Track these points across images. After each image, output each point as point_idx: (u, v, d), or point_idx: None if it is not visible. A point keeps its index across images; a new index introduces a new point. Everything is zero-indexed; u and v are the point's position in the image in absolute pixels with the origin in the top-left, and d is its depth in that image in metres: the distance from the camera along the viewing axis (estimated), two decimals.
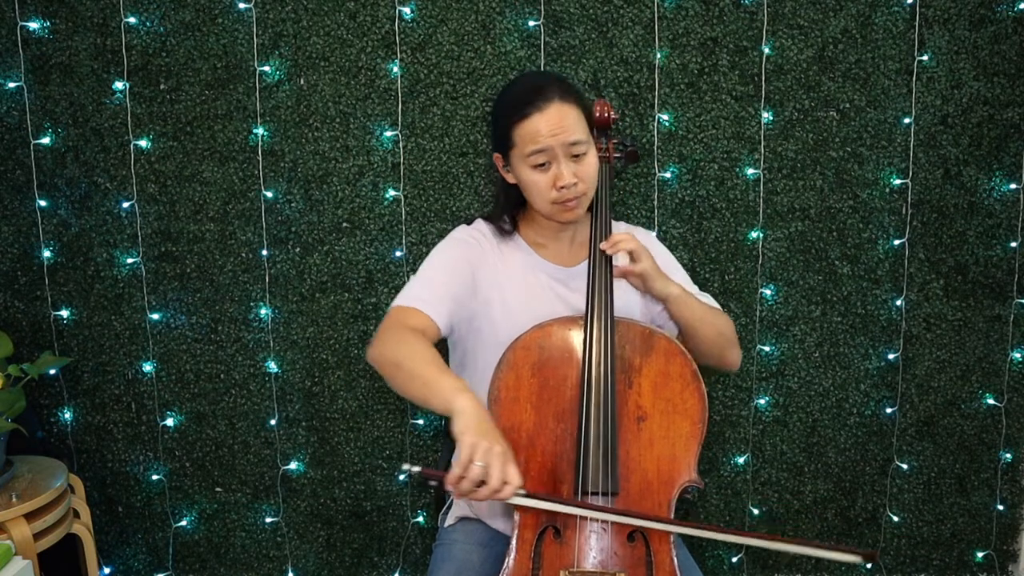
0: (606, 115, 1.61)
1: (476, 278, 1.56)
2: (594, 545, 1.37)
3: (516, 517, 1.39)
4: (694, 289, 1.67)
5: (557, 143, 1.45)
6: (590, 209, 1.58)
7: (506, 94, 1.56)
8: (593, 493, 1.38)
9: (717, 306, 1.67)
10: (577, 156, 1.48)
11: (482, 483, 1.23)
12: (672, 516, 1.42)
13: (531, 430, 1.43)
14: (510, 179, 1.56)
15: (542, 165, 1.47)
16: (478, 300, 1.56)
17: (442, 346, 1.60)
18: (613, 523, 1.38)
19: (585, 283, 1.51)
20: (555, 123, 1.45)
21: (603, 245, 1.52)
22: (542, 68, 2.08)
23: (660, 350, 1.47)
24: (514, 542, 1.38)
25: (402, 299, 1.51)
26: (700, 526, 1.38)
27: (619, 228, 1.71)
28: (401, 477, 2.26)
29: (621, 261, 1.54)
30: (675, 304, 1.54)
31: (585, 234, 1.59)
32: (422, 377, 1.35)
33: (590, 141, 1.50)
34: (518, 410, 1.44)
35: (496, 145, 1.56)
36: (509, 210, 1.62)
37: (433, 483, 1.27)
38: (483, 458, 1.22)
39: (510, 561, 1.37)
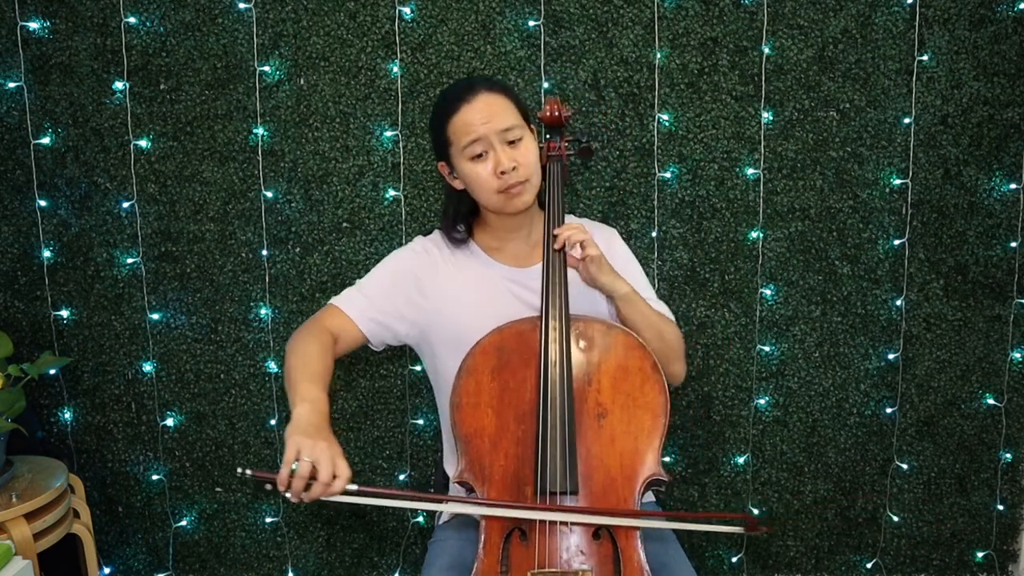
0: (556, 113, 1.60)
1: (423, 289, 1.58)
2: (560, 545, 1.37)
3: (482, 521, 1.40)
4: (650, 293, 1.66)
5: (490, 130, 1.47)
6: (543, 207, 1.58)
7: (437, 102, 1.58)
8: (553, 493, 1.37)
9: (671, 316, 1.65)
10: (512, 142, 1.49)
11: (313, 481, 1.25)
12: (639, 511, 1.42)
13: (493, 434, 1.43)
14: (457, 185, 1.57)
15: (480, 156, 1.49)
16: (429, 311, 1.58)
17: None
18: (576, 523, 1.38)
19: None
20: (484, 112, 1.47)
21: (555, 231, 1.52)
22: (542, 68, 2.09)
23: (618, 344, 1.47)
24: (481, 546, 1.38)
25: (337, 299, 1.58)
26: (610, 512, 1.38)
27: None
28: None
29: (574, 253, 1.54)
30: (621, 302, 1.53)
31: (540, 233, 1.60)
32: (290, 376, 1.43)
33: (524, 128, 1.51)
34: (480, 415, 1.44)
35: (438, 153, 1.58)
36: (462, 219, 1.63)
37: (268, 486, 1.28)
38: (309, 454, 1.25)
39: (478, 565, 1.37)
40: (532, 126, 1.56)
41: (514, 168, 1.47)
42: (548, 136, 1.61)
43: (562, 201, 1.58)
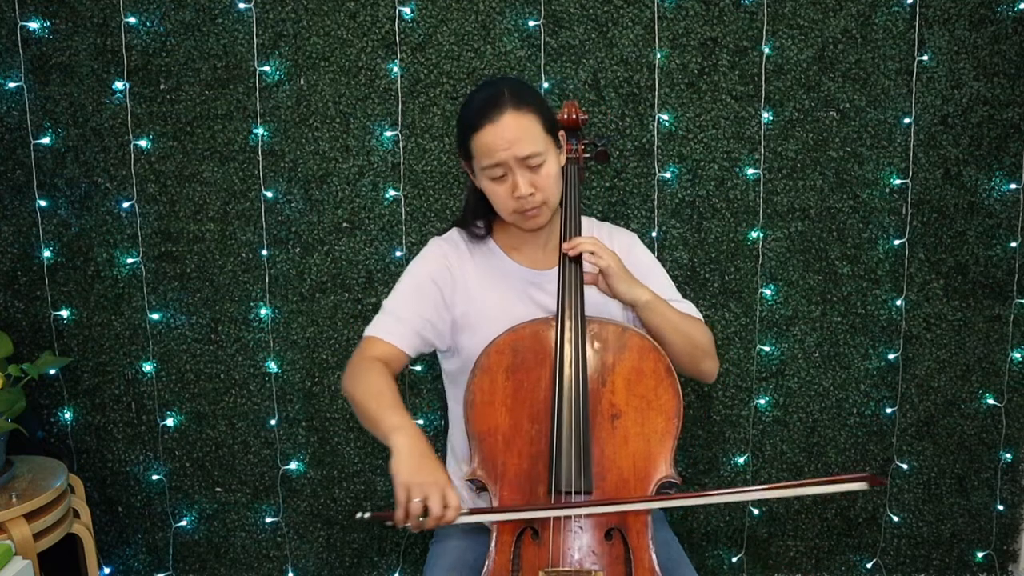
0: (574, 117, 1.61)
1: (449, 295, 1.57)
2: (572, 544, 1.37)
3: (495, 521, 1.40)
4: (674, 295, 1.64)
5: (510, 156, 1.44)
6: (561, 207, 1.57)
7: (466, 104, 1.54)
8: (567, 492, 1.38)
9: (697, 315, 1.63)
10: (533, 167, 1.47)
11: (427, 513, 1.27)
12: (649, 515, 1.41)
13: (507, 433, 1.43)
14: (478, 184, 1.56)
15: (500, 176, 1.47)
16: (456, 313, 1.57)
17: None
18: (589, 522, 1.38)
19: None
20: (508, 136, 1.44)
21: (564, 246, 1.51)
22: (542, 68, 2.09)
23: (633, 347, 1.47)
24: (493, 545, 1.38)
25: (371, 329, 1.55)
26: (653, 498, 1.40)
27: (592, 227, 1.68)
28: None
29: (587, 267, 1.52)
30: (644, 310, 1.52)
31: (557, 238, 1.59)
32: (368, 412, 1.42)
33: (548, 150, 1.48)
34: (493, 413, 1.44)
35: (460, 154, 1.56)
36: (482, 214, 1.62)
37: (388, 524, 1.30)
38: (418, 494, 1.26)
39: (489, 564, 1.37)
40: (557, 136, 1.53)
41: (532, 193, 1.46)
42: (558, 139, 1.60)
43: (578, 203, 1.57)
